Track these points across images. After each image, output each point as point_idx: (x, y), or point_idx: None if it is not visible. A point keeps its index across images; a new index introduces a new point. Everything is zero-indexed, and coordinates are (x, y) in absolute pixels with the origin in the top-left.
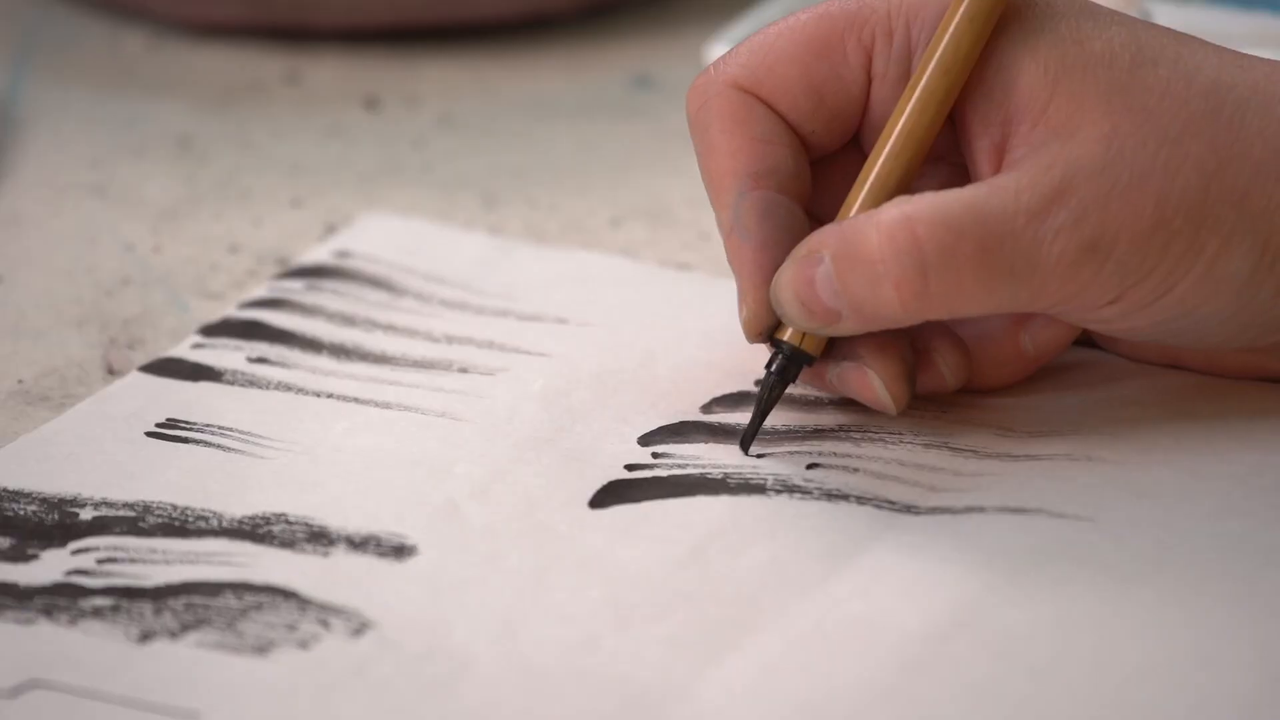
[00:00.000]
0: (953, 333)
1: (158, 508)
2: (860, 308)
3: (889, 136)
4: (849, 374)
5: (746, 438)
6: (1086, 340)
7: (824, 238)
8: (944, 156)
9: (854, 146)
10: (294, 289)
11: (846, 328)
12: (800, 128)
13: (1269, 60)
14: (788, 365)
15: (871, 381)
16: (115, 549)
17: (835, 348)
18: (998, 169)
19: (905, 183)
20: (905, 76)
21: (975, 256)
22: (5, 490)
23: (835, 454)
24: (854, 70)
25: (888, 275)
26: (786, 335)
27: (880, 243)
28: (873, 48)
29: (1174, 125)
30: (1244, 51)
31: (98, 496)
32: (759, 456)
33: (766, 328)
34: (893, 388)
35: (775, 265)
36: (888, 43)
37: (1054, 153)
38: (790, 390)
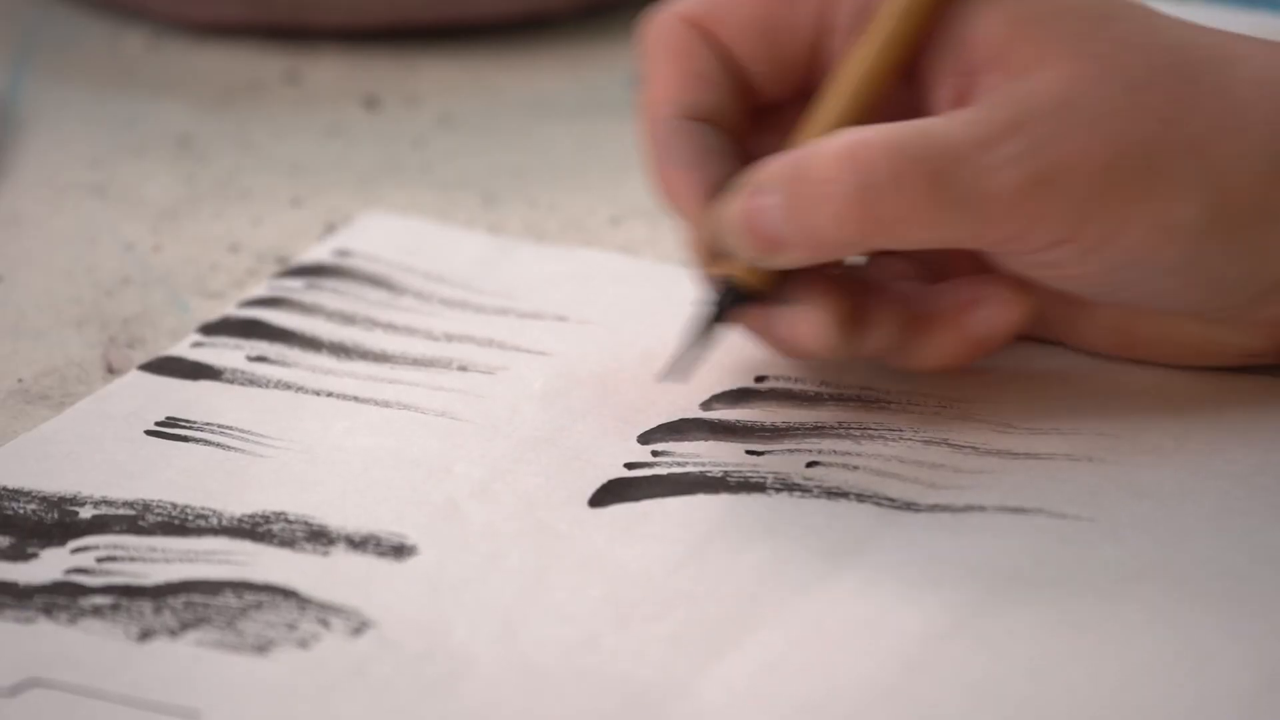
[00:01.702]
0: (894, 298)
1: (157, 506)
2: (808, 230)
3: (845, 75)
4: (794, 316)
5: (669, 369)
6: (1042, 339)
7: (772, 167)
8: (901, 116)
9: (801, 100)
10: (294, 288)
11: (792, 256)
12: (748, 67)
13: (1223, 30)
14: (724, 298)
15: (817, 322)
16: (115, 547)
17: (776, 295)
18: None
19: (857, 121)
20: (859, 30)
21: (924, 179)
22: (5, 489)
23: (835, 451)
24: (809, 17)
25: (837, 194)
26: (740, 271)
27: (830, 162)
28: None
29: (1136, 73)
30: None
31: (97, 495)
32: (759, 455)
33: (709, 252)
34: (839, 329)
35: (710, 190)
36: None
37: (1010, 89)
38: (790, 387)
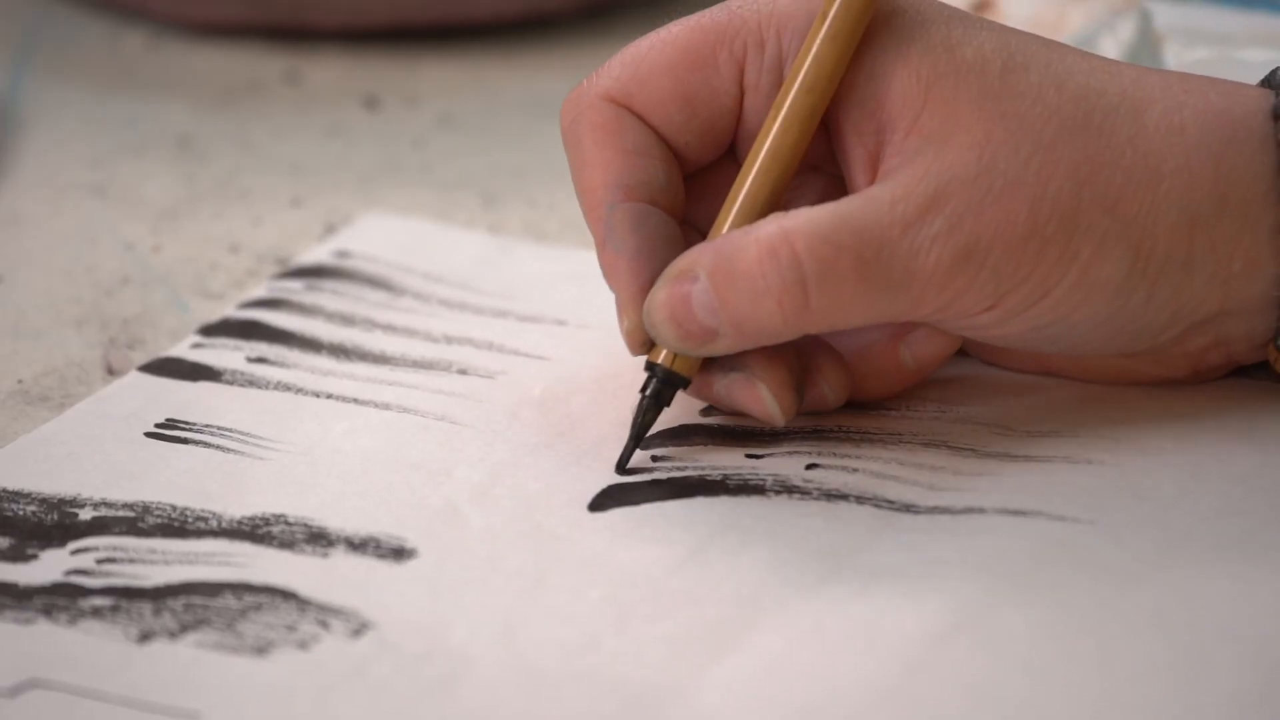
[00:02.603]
0: (833, 350)
1: (157, 508)
2: (740, 324)
3: (757, 154)
4: (736, 386)
5: (621, 462)
6: (962, 352)
7: (698, 256)
8: (820, 166)
9: (730, 159)
10: (293, 289)
11: (723, 345)
12: (673, 140)
13: (1135, 66)
14: (661, 389)
15: (760, 392)
16: (115, 549)
17: (721, 361)
18: (873, 178)
19: (776, 198)
20: (777, 86)
21: (854, 269)
22: (5, 490)
23: (835, 454)
24: (726, 82)
25: (769, 291)
26: (660, 357)
27: (759, 257)
28: (745, 59)
29: (1046, 131)
30: (1243, 51)
31: (97, 496)
32: (759, 458)
33: (648, 339)
34: (781, 398)
35: (652, 276)
36: (759, 53)
37: (927, 161)
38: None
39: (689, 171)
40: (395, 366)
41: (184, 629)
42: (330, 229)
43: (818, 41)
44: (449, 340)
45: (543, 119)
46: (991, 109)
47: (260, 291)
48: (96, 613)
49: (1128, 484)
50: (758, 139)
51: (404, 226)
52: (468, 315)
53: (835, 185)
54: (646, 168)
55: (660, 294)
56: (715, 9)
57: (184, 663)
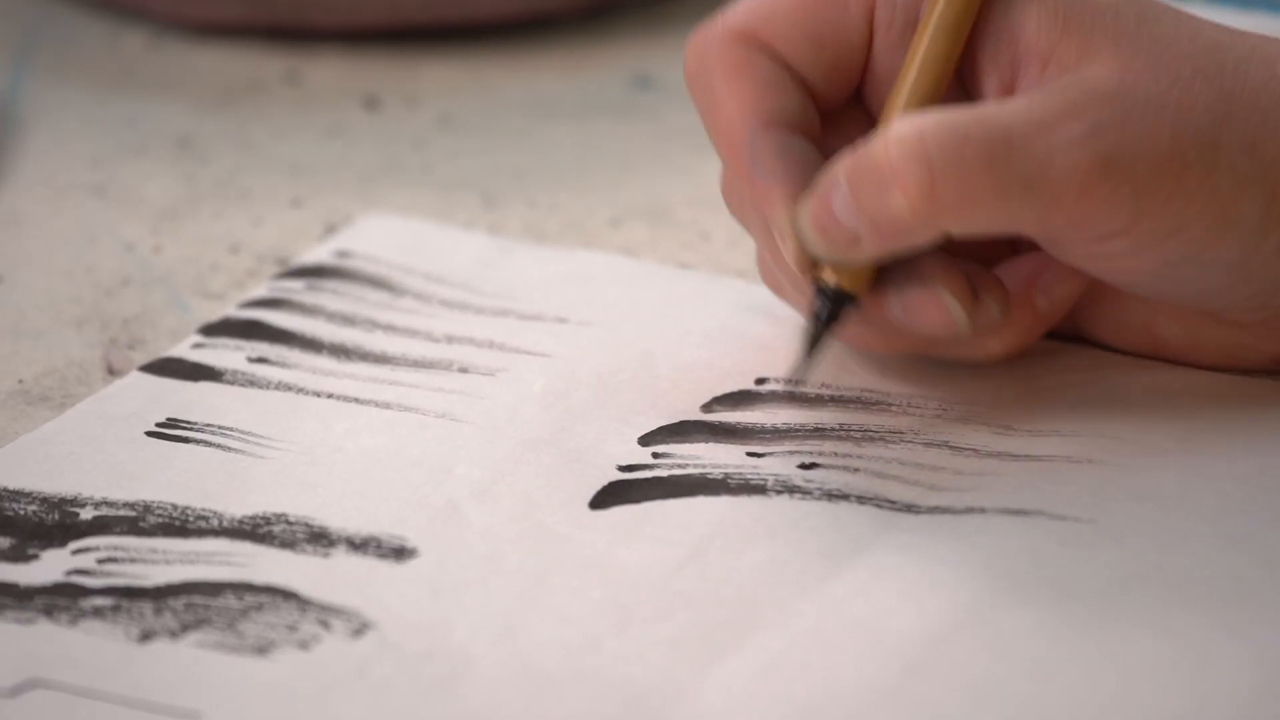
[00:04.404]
0: (991, 272)
1: (158, 508)
2: (873, 218)
3: (907, 68)
4: (914, 300)
5: (796, 375)
6: (1070, 336)
7: (837, 164)
8: None
9: (858, 105)
10: (294, 289)
11: (865, 249)
12: (802, 73)
13: (1252, 33)
14: (833, 309)
15: (943, 298)
16: (115, 549)
17: (894, 277)
18: None
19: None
20: (910, 27)
21: (982, 159)
22: (5, 490)
23: (836, 453)
24: (856, 19)
25: (895, 177)
26: (829, 277)
27: (887, 148)
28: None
29: (1184, 70)
30: None
31: (98, 496)
32: (760, 457)
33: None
34: (965, 302)
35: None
36: None
37: (1067, 78)
38: (791, 389)
39: (819, 110)
40: (396, 366)
41: (185, 629)
42: (330, 229)
43: None
44: (450, 340)
45: (543, 119)
46: (1128, 46)
47: (261, 291)
48: (97, 612)
49: (1128, 484)
50: (906, 59)
51: (404, 227)
52: (468, 315)
53: None
54: (783, 98)
55: (807, 204)
56: None
57: (185, 662)
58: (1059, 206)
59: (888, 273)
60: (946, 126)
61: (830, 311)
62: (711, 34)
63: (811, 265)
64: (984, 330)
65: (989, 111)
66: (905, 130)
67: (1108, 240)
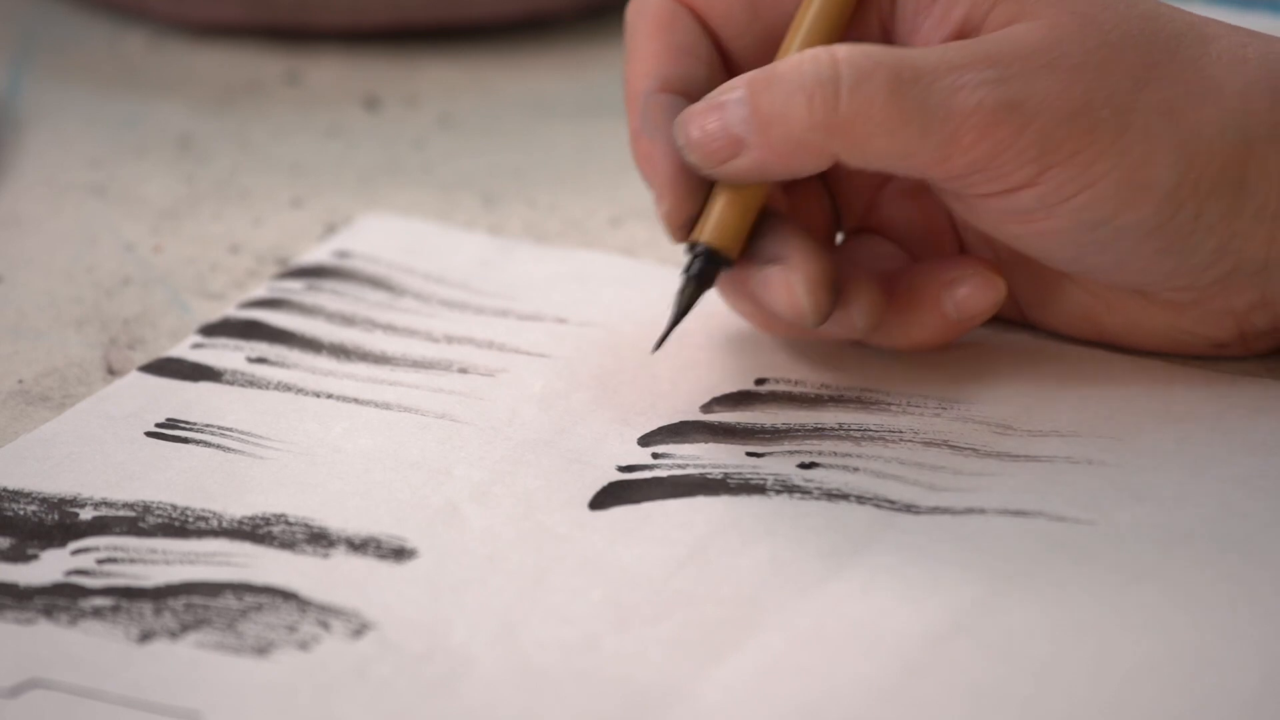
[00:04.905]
0: (872, 277)
1: (158, 508)
2: (768, 128)
3: (803, 13)
4: (771, 278)
5: (659, 341)
6: (1012, 322)
7: (739, 76)
8: None
9: None
10: (294, 289)
11: (748, 160)
12: (732, 42)
13: (1194, 13)
14: (705, 268)
15: (794, 284)
16: (115, 549)
17: (760, 251)
18: None
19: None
20: None
21: (889, 84)
22: (5, 490)
23: (835, 453)
24: None
25: (802, 87)
26: (705, 235)
27: (799, 60)
28: None
29: (1112, 33)
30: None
31: (98, 496)
32: (759, 457)
33: (689, 218)
34: (815, 294)
35: (685, 162)
36: None
37: (989, 34)
38: (790, 389)
39: (737, 73)
40: (396, 367)
41: (185, 629)
42: (330, 229)
43: None
44: (450, 340)
45: (543, 119)
46: (1064, 7)
47: (261, 291)
48: (97, 613)
49: (1128, 484)
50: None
51: (404, 227)
52: (468, 316)
53: None
54: (691, 65)
55: (696, 106)
56: None
57: (184, 663)
58: (958, 144)
59: (757, 244)
60: (861, 51)
61: (700, 270)
62: None
63: (684, 226)
64: (843, 330)
65: (906, 49)
66: (819, 50)
67: (1015, 193)
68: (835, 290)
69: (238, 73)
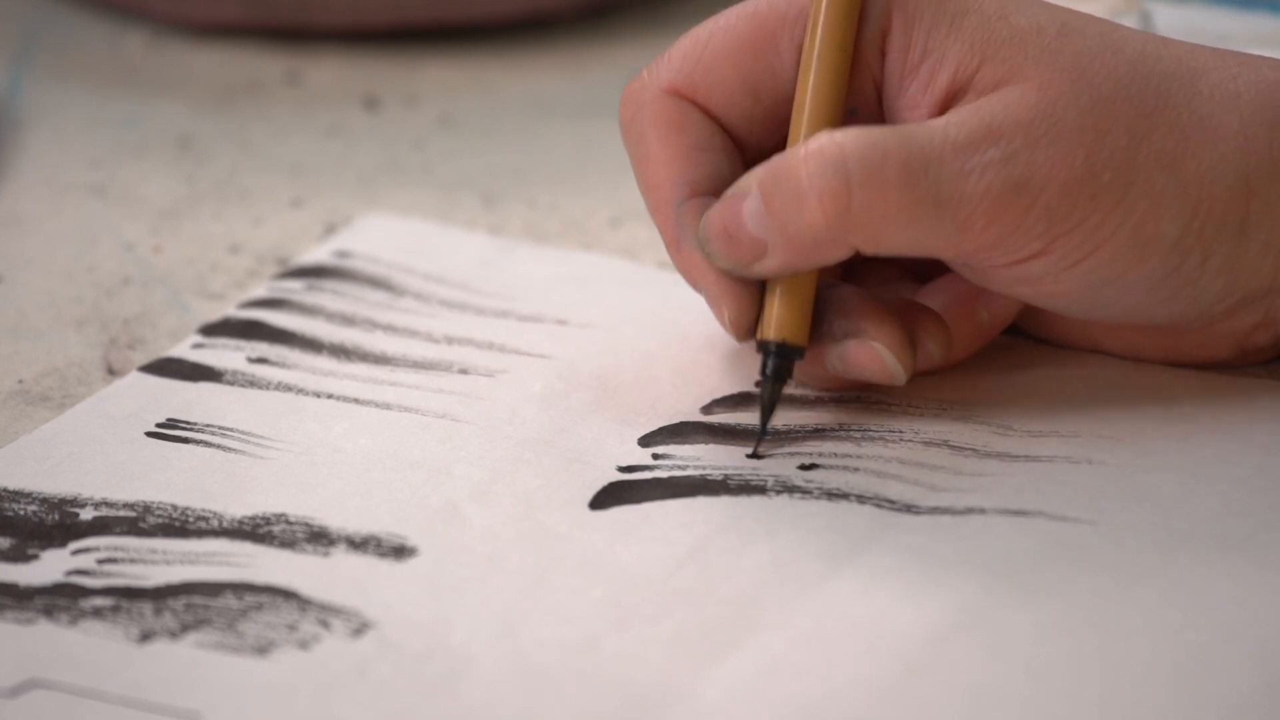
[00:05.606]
0: (931, 309)
1: (158, 508)
2: (785, 228)
3: (802, 85)
4: (852, 352)
5: (756, 449)
6: (1016, 331)
7: (751, 173)
8: None
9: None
10: (294, 289)
11: (773, 261)
12: (736, 128)
13: (1186, 42)
14: (780, 364)
15: (879, 353)
16: (115, 549)
17: (832, 330)
18: None
19: (830, 124)
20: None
21: (899, 175)
22: (5, 490)
23: (835, 454)
24: (788, 66)
25: (812, 189)
26: (773, 334)
27: (805, 157)
28: (804, 43)
29: (1103, 88)
30: (1244, 51)
31: (98, 496)
32: (758, 458)
33: (753, 322)
34: (900, 355)
35: None
36: None
37: (984, 101)
38: (790, 390)
39: (750, 157)
40: (396, 367)
41: (185, 629)
42: (330, 229)
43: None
44: (450, 341)
45: (543, 119)
46: (1050, 63)
47: (261, 291)
48: (97, 613)
49: (1128, 484)
50: (799, 81)
51: (404, 227)
52: (468, 316)
53: None
54: (711, 162)
55: (714, 211)
56: None
57: (185, 663)
58: (970, 229)
59: (824, 323)
60: (867, 142)
61: (778, 367)
62: (646, 86)
63: (750, 329)
64: (922, 368)
65: (909, 130)
66: (825, 142)
67: (1025, 263)
68: (913, 348)
69: (238, 73)
